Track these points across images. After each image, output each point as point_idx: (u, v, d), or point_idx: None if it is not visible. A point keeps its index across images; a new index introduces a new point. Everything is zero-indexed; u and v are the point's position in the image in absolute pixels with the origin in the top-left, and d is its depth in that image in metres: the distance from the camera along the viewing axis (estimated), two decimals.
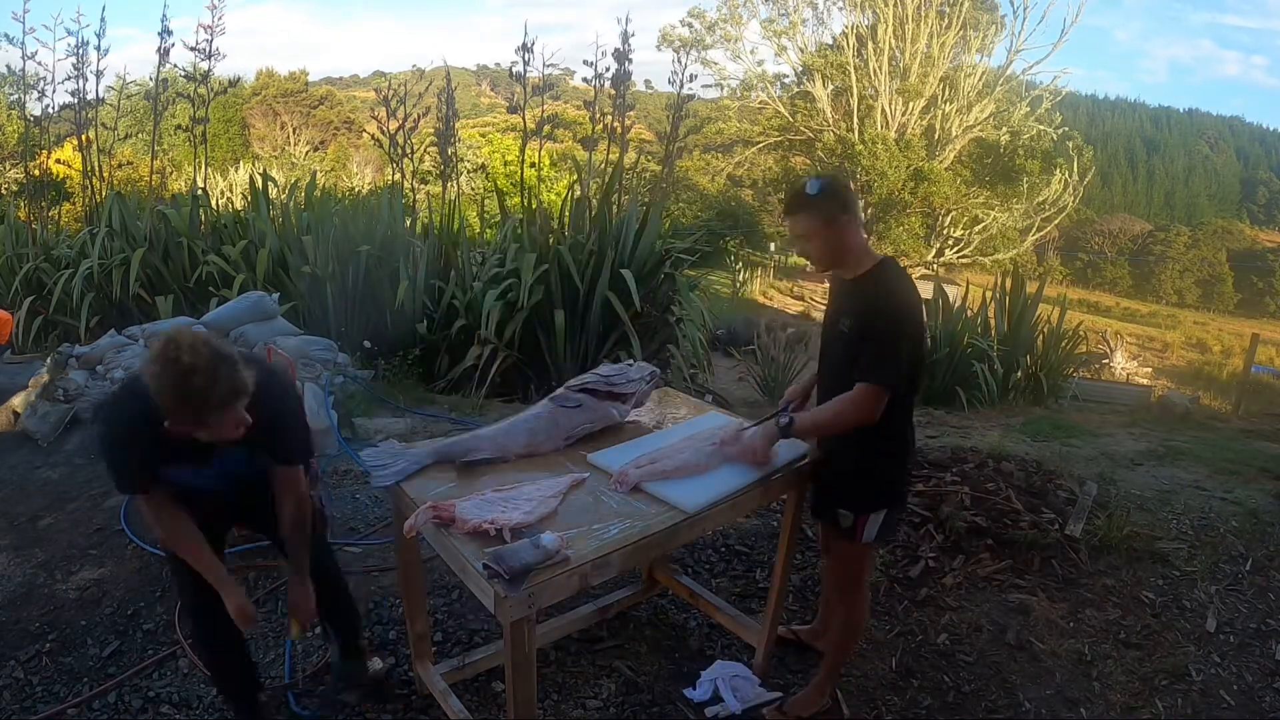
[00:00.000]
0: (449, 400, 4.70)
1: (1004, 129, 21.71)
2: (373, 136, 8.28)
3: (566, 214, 5.95)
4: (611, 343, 5.25)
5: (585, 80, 6.27)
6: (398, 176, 7.02)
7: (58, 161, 8.38)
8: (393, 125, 6.80)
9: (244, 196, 8.03)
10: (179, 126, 7.99)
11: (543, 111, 6.69)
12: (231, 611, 1.71)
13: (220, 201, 8.01)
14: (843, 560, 2.06)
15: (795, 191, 1.84)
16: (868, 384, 1.74)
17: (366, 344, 4.96)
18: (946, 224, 22.30)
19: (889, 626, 2.50)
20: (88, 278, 5.68)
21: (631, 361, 2.29)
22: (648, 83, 34.34)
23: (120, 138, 7.78)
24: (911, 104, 21.66)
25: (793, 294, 22.89)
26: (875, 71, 21.36)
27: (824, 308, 2.09)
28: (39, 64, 6.76)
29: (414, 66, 10.40)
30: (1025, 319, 6.14)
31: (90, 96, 6.72)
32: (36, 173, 7.60)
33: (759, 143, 24.33)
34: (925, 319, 1.92)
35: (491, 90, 62.39)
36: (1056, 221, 22.02)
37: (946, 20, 21.21)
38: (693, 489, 1.76)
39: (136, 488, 1.67)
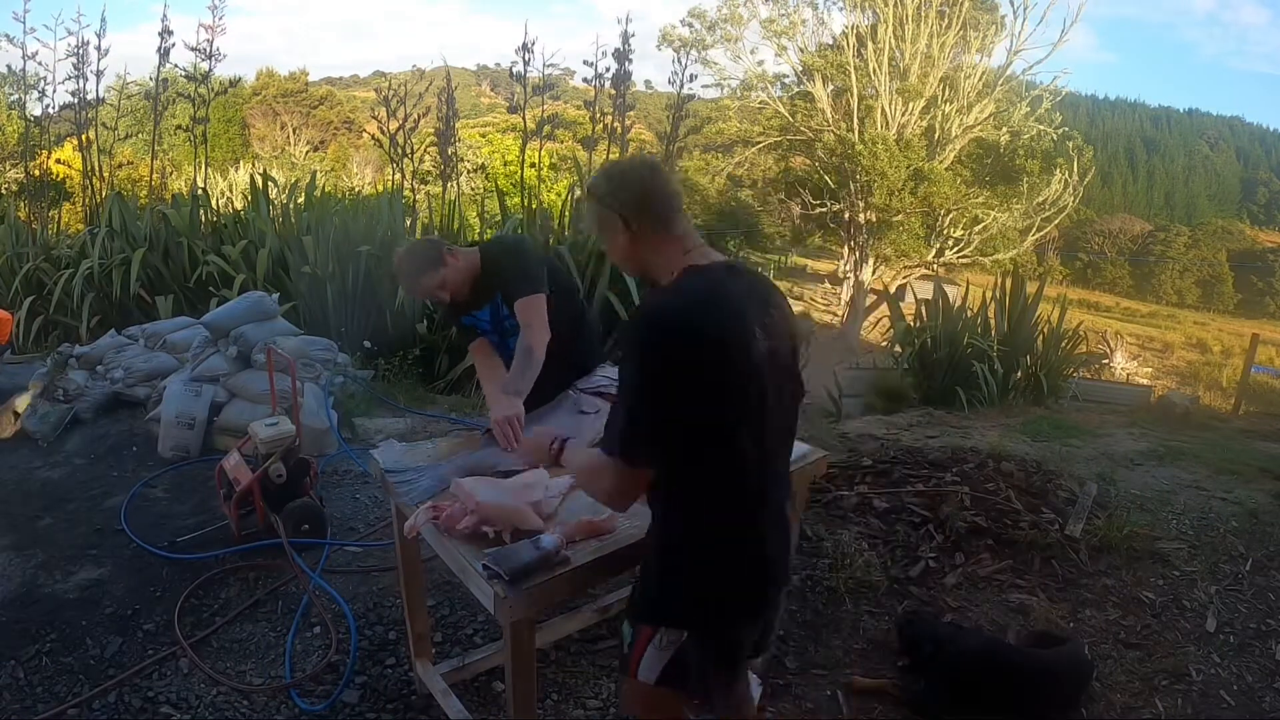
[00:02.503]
0: (449, 400, 4.71)
1: (1004, 129, 21.69)
2: (373, 136, 8.30)
3: (566, 214, 5.95)
4: (612, 343, 5.25)
5: (585, 80, 6.28)
6: (398, 176, 7.02)
7: (58, 161, 8.39)
8: (393, 125, 6.81)
9: (244, 196, 8.03)
10: (179, 126, 8.02)
11: (543, 111, 6.71)
12: (494, 416, 1.99)
13: (220, 201, 8.01)
14: (623, 705, 1.52)
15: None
16: (602, 452, 1.30)
17: (366, 344, 4.96)
18: (946, 224, 22.28)
19: (888, 626, 2.50)
20: (88, 278, 5.68)
21: None
22: (648, 83, 34.37)
23: (120, 138, 7.79)
24: (911, 104, 21.64)
25: (792, 294, 22.88)
26: (875, 71, 21.34)
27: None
28: (39, 64, 6.79)
29: (414, 66, 10.41)
30: (1025, 319, 6.14)
31: (90, 96, 6.73)
32: (36, 173, 7.61)
33: (759, 143, 24.30)
34: (714, 345, 1.22)
35: (491, 90, 62.37)
36: (1056, 221, 21.99)
37: (946, 20, 21.19)
38: None
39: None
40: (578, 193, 6.07)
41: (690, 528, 1.32)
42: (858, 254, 21.50)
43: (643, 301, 1.35)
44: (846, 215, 22.51)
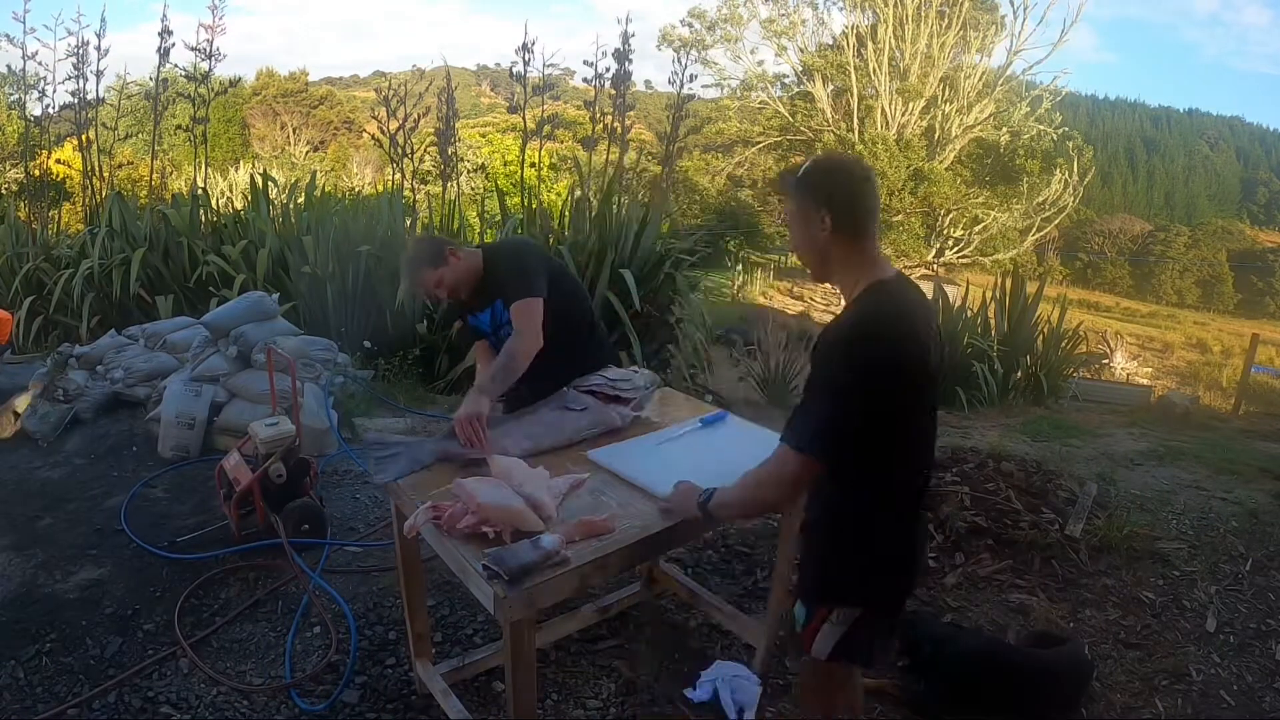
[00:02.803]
0: (449, 400, 4.70)
1: (1004, 129, 21.71)
2: (373, 136, 8.29)
3: (567, 214, 5.96)
4: (611, 343, 5.24)
5: (585, 80, 6.28)
6: (398, 177, 7.02)
7: (58, 161, 8.39)
8: (393, 125, 6.80)
9: (244, 196, 8.03)
10: (179, 126, 8.02)
11: (543, 111, 6.70)
12: (458, 415, 2.01)
13: (220, 201, 8.01)
14: (801, 680, 1.69)
15: (788, 169, 1.56)
16: (781, 445, 1.39)
17: (366, 344, 4.96)
18: (946, 224, 22.30)
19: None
20: (88, 278, 5.68)
21: (637, 369, 2.30)
22: (648, 83, 34.37)
23: (120, 138, 7.79)
24: (911, 104, 21.66)
25: (792, 294, 22.87)
26: (875, 71, 21.36)
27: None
28: (39, 64, 6.78)
29: (414, 66, 10.42)
30: (1025, 319, 6.15)
31: (90, 96, 6.73)
32: (36, 173, 7.60)
33: (759, 143, 24.32)
34: (910, 355, 1.36)
35: (491, 90, 62.37)
36: (1056, 221, 22.01)
37: (946, 20, 21.21)
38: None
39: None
40: (577, 193, 6.07)
41: (868, 515, 1.43)
42: None
43: (848, 316, 1.38)
44: None
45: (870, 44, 21.48)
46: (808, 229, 1.41)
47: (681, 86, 6.49)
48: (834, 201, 1.37)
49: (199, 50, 6.42)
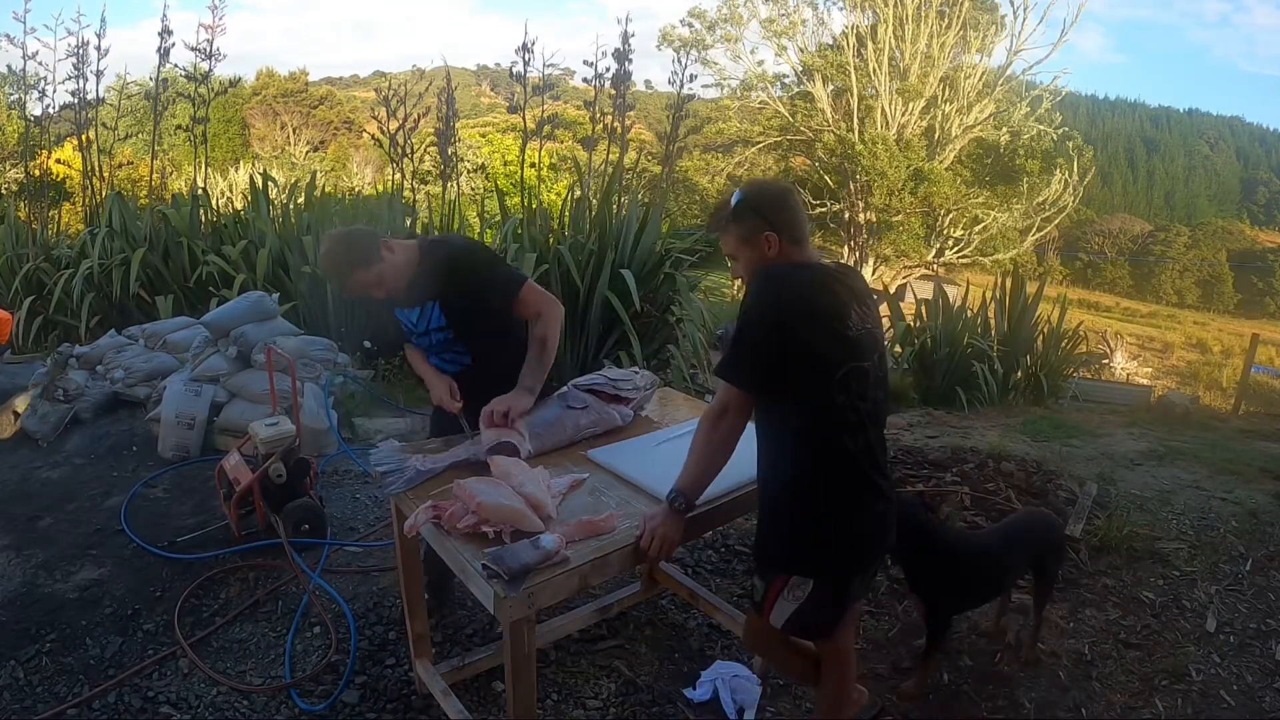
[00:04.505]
0: None
1: (1004, 129, 21.70)
2: (373, 136, 8.28)
3: (566, 214, 5.95)
4: (611, 343, 5.26)
5: (585, 80, 6.28)
6: (398, 177, 7.01)
7: (58, 161, 8.38)
8: (393, 125, 6.80)
9: (244, 196, 8.03)
10: (179, 126, 8.01)
11: (543, 111, 6.69)
12: (433, 399, 2.11)
13: (220, 201, 8.01)
14: (756, 638, 1.79)
15: (718, 205, 1.65)
16: (718, 377, 1.55)
17: (366, 344, 4.96)
18: (946, 224, 22.29)
19: (888, 626, 2.50)
20: (88, 278, 5.68)
21: (638, 370, 2.30)
22: (648, 83, 34.36)
23: (120, 138, 7.77)
24: (911, 104, 21.65)
25: None
26: (875, 71, 21.34)
27: None
28: (39, 64, 6.76)
29: (414, 66, 10.42)
30: (1025, 319, 6.15)
31: (90, 96, 6.72)
32: (36, 173, 7.60)
33: (759, 143, 24.31)
34: (818, 299, 1.49)
35: (491, 90, 62.36)
36: (1056, 222, 21.99)
37: (946, 20, 21.20)
38: None
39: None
40: (577, 193, 6.06)
41: (809, 480, 1.52)
42: (858, 254, 21.50)
43: (773, 270, 1.53)
44: (846, 215, 22.51)
45: (870, 44, 21.47)
46: (756, 251, 1.56)
47: (681, 86, 6.49)
48: (774, 222, 1.54)
49: (199, 50, 6.41)
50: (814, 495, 1.53)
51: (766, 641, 1.76)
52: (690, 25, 24.04)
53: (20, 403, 3.88)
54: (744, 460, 1.88)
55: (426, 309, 2.10)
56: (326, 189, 7.62)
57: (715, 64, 24.17)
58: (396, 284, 2.03)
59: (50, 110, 7.09)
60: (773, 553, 1.61)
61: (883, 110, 21.84)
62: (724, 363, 1.52)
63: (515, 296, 2.08)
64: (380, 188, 10.61)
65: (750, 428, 1.59)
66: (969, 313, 6.25)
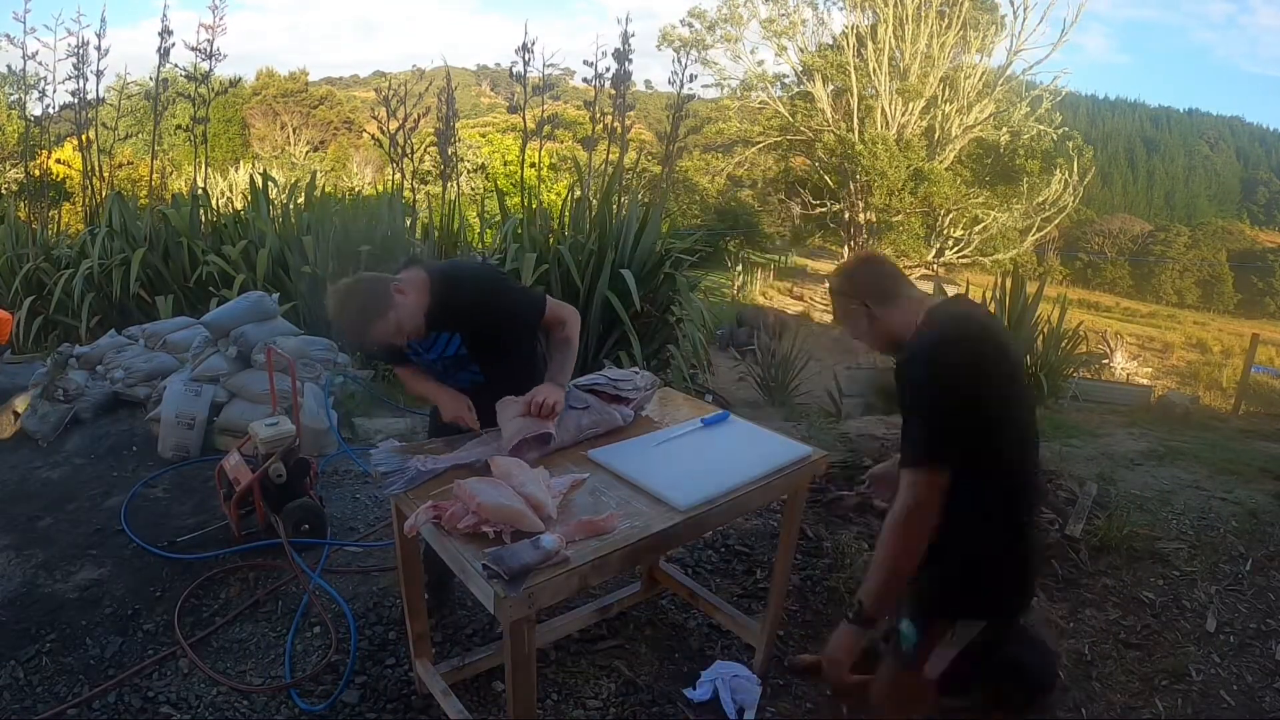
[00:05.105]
0: None
1: (1004, 129, 21.72)
2: (373, 136, 8.29)
3: (566, 214, 5.95)
4: (612, 343, 5.26)
5: (585, 80, 6.28)
6: (398, 177, 7.01)
7: (58, 161, 8.37)
8: (393, 125, 6.80)
9: (244, 196, 8.03)
10: (179, 126, 8.01)
11: (543, 111, 6.69)
12: (447, 417, 2.06)
13: (220, 201, 8.01)
14: (880, 694, 1.55)
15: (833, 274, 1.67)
16: (901, 474, 1.39)
17: None
18: (946, 224, 22.31)
19: (889, 627, 2.49)
20: (88, 278, 5.68)
21: (638, 370, 2.30)
22: (648, 83, 34.37)
23: (120, 138, 7.78)
24: (911, 104, 21.66)
25: (792, 294, 22.88)
26: (875, 71, 21.36)
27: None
28: (39, 64, 6.76)
29: (414, 66, 10.40)
30: (1025, 319, 6.14)
31: (90, 96, 6.72)
32: (36, 173, 7.60)
33: (759, 143, 24.33)
34: (986, 349, 1.43)
35: (491, 90, 62.38)
36: (1056, 222, 22.03)
37: (946, 20, 21.21)
38: (689, 486, 1.75)
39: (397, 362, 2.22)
40: (577, 193, 6.06)
41: (986, 524, 1.41)
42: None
43: (918, 339, 1.46)
44: (846, 215, 22.52)
45: (870, 44, 21.49)
46: (859, 323, 1.58)
47: (681, 86, 6.49)
48: (861, 291, 1.56)
49: (199, 50, 6.41)
50: (988, 531, 1.42)
51: (912, 700, 1.53)
52: (690, 25, 24.06)
53: (20, 403, 3.87)
54: (744, 460, 1.89)
55: (441, 338, 2.05)
56: (326, 189, 7.63)
57: (715, 64, 24.20)
58: (415, 326, 1.93)
59: (50, 110, 7.10)
60: (935, 594, 1.46)
61: (883, 110, 21.85)
62: (913, 446, 1.37)
63: (536, 319, 2.12)
64: (380, 188, 10.62)
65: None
66: None
